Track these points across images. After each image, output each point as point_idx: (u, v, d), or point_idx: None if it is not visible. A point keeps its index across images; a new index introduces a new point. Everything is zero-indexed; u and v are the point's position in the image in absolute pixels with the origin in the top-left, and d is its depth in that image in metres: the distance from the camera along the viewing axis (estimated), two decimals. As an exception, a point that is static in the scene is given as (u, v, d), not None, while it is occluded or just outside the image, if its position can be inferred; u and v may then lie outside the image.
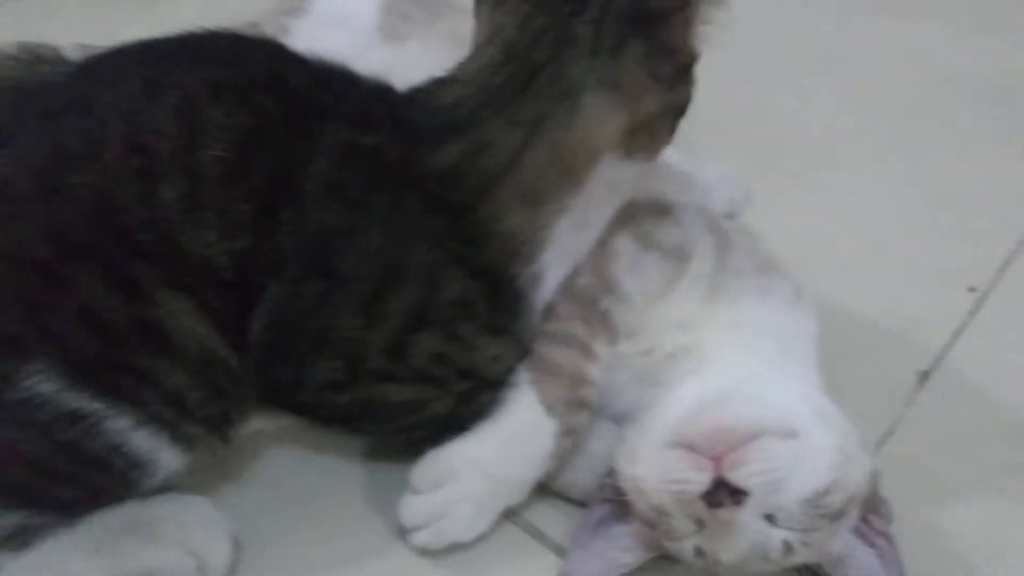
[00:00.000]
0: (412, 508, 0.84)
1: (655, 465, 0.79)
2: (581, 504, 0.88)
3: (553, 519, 0.89)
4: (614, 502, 0.84)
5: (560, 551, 0.87)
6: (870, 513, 0.83)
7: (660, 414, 0.83)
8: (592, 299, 0.87)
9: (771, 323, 0.89)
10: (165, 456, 0.76)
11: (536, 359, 0.85)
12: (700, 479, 0.76)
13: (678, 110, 0.83)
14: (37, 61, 0.84)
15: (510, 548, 0.87)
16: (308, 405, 0.83)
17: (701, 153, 1.06)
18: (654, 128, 0.82)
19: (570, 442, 0.86)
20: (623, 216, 0.90)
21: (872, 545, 0.83)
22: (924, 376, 1.03)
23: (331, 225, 0.76)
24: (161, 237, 0.72)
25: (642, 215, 0.91)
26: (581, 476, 0.88)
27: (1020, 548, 0.89)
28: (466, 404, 0.84)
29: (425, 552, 0.85)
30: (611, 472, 0.85)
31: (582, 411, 0.85)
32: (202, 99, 0.74)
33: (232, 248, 0.74)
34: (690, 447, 0.77)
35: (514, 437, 0.84)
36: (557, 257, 0.83)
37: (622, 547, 0.84)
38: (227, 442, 0.81)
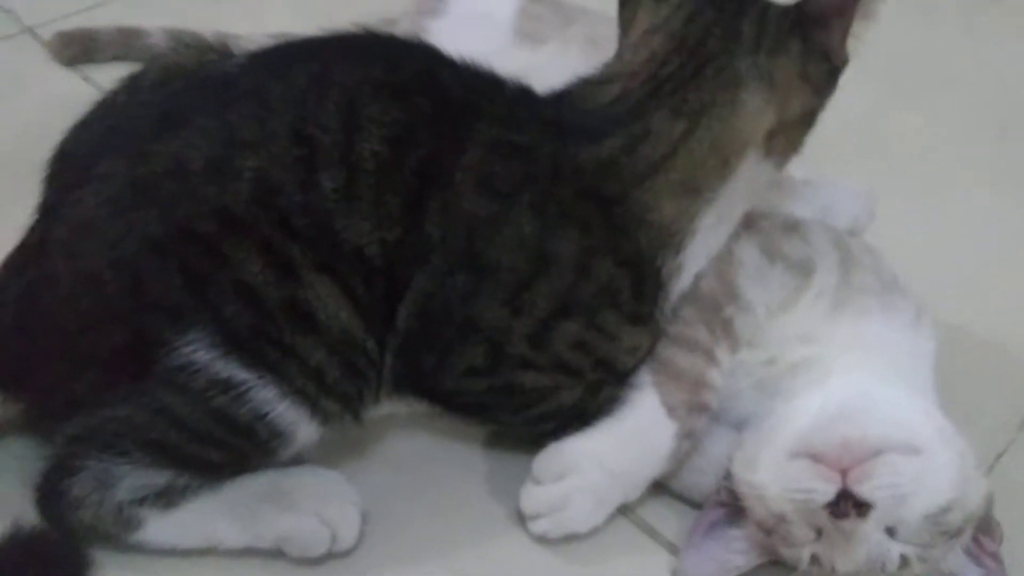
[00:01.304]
0: (533, 497, 0.87)
1: (778, 473, 0.81)
2: (697, 505, 0.90)
3: (667, 518, 0.91)
4: (729, 505, 0.86)
5: (673, 549, 0.89)
6: (981, 534, 0.84)
7: (782, 423, 0.85)
8: (716, 305, 0.89)
9: (893, 342, 0.90)
10: (303, 428, 0.80)
11: (659, 361, 0.88)
12: (826, 489, 0.78)
13: (814, 117, 0.86)
14: (207, 50, 0.89)
15: (624, 543, 0.89)
16: (446, 392, 0.86)
17: (825, 167, 1.07)
18: (792, 132, 0.85)
19: (689, 444, 0.88)
20: (749, 227, 0.92)
21: (981, 565, 0.84)
22: (1036, 404, 1.03)
23: (482, 216, 0.79)
24: (317, 223, 0.77)
25: (768, 228, 0.93)
26: (700, 478, 0.90)
27: None
28: (593, 396, 0.87)
29: (542, 540, 0.88)
30: (728, 476, 0.87)
31: (702, 414, 0.88)
32: (363, 97, 0.79)
33: (383, 238, 0.78)
34: (816, 458, 0.79)
35: (635, 435, 0.87)
36: (699, 249, 0.86)
37: (735, 550, 0.86)
38: (359, 420, 0.85)
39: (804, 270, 0.91)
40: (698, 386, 0.87)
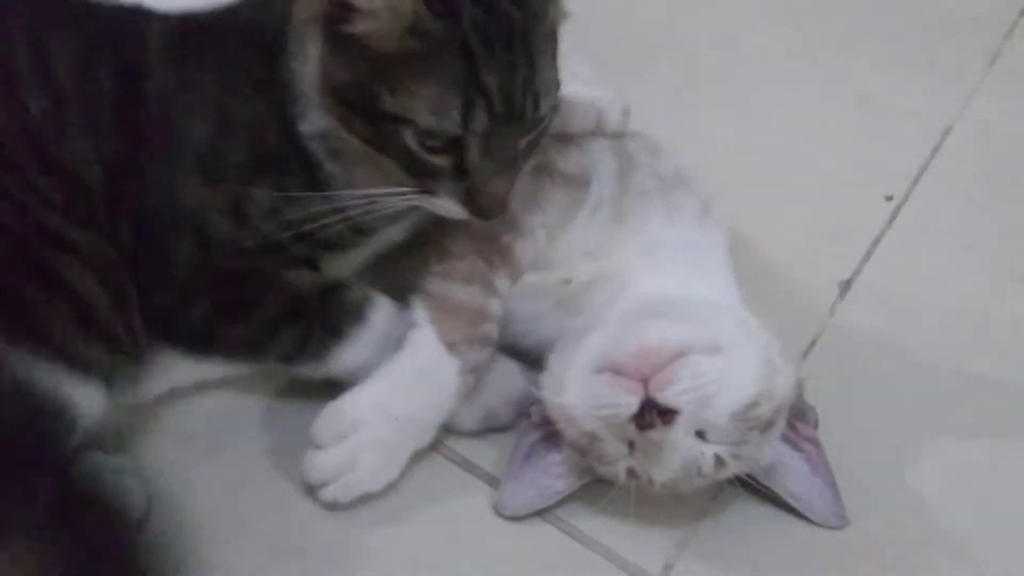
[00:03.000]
0: (316, 464, 0.81)
1: (583, 392, 0.78)
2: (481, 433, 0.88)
3: (482, 450, 0.88)
4: (543, 430, 0.84)
5: (493, 481, 0.87)
6: (796, 420, 0.84)
7: (583, 341, 0.82)
8: (491, 234, 0.85)
9: (681, 241, 0.88)
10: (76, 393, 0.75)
11: (434, 297, 0.83)
12: (629, 402, 0.75)
13: None
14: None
15: (441, 482, 0.86)
16: (181, 325, 0.82)
17: (619, 71, 1.05)
18: None
19: (473, 379, 0.84)
20: None
21: (800, 450, 0.84)
22: (845, 286, 1.04)
23: (170, 86, 0.80)
24: (35, 148, 0.77)
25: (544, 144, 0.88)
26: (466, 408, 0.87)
27: (941, 447, 0.91)
28: (320, 292, 0.83)
29: (335, 507, 0.83)
30: (537, 401, 0.84)
31: (485, 347, 0.84)
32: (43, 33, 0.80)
33: (103, 157, 0.78)
34: (617, 371, 0.77)
35: (416, 378, 0.82)
36: None
37: (554, 474, 0.84)
38: (136, 381, 0.80)
39: (579, 183, 0.88)
40: (478, 318, 0.83)
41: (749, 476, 0.82)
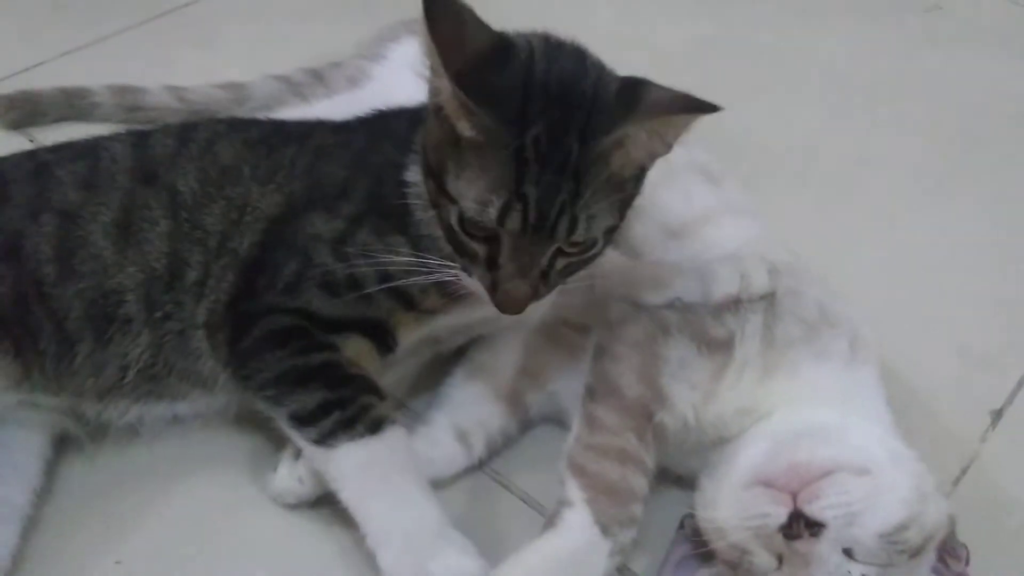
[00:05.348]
0: None
1: (734, 505, 0.81)
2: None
3: (635, 555, 0.90)
4: (694, 543, 0.86)
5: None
6: (947, 555, 0.84)
7: (734, 460, 0.85)
8: (646, 412, 0.87)
9: (831, 382, 0.89)
10: None
11: (589, 475, 0.85)
12: (778, 512, 0.78)
13: None
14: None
15: None
16: (253, 330, 0.88)
17: (770, 189, 1.07)
18: None
19: (619, 560, 0.86)
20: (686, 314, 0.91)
21: (949, 584, 0.84)
22: (997, 415, 1.03)
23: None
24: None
25: (701, 313, 0.91)
26: None
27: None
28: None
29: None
30: (689, 515, 0.87)
31: (632, 527, 0.85)
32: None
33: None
34: (767, 484, 0.80)
35: (571, 559, 0.83)
36: None
37: (704, 586, 0.86)
38: None
39: (725, 347, 0.89)
40: (630, 498, 0.85)
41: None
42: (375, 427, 0.85)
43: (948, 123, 1.41)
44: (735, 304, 0.90)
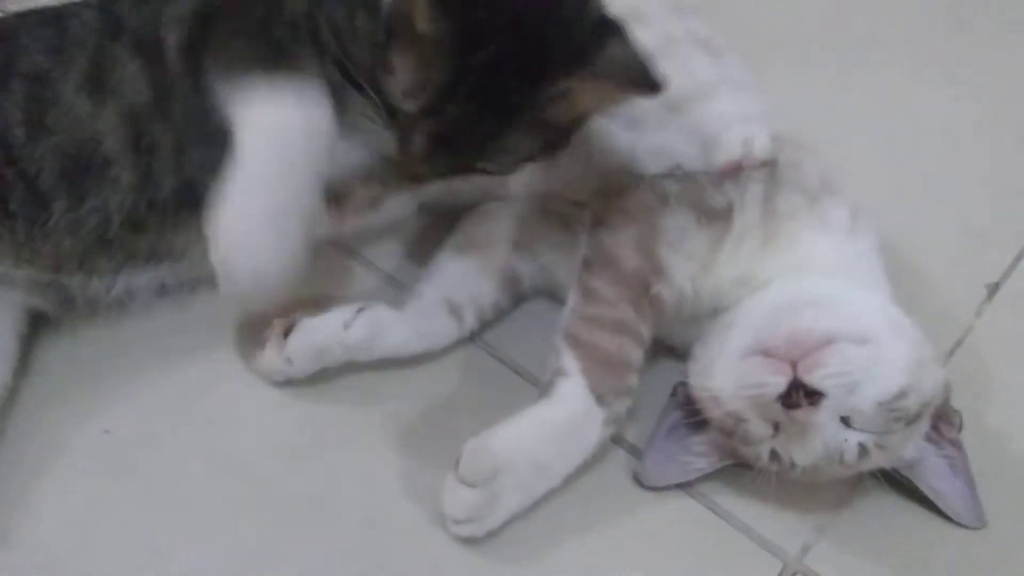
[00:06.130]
0: (460, 502, 0.81)
1: (732, 374, 0.81)
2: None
3: (627, 421, 0.89)
4: (686, 410, 0.86)
5: (634, 452, 0.89)
6: (941, 422, 0.84)
7: (731, 329, 0.84)
8: (643, 284, 0.85)
9: (832, 254, 0.88)
10: None
11: (585, 345, 0.84)
12: (777, 381, 0.77)
13: None
14: None
15: None
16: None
17: (774, 63, 1.05)
18: None
19: (613, 430, 0.86)
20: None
21: (943, 451, 0.84)
22: (993, 288, 1.03)
23: None
24: None
25: (702, 180, 0.89)
26: None
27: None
28: None
29: (469, 541, 0.83)
30: (681, 383, 0.87)
31: (627, 398, 0.85)
32: None
33: None
34: (766, 353, 0.79)
35: (565, 427, 0.83)
36: None
37: (697, 452, 0.86)
38: None
39: (723, 216, 0.87)
40: (625, 369, 0.84)
41: (891, 470, 0.83)
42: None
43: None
44: (736, 171, 0.88)
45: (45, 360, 0.92)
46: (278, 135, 0.78)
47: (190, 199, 0.84)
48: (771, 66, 1.12)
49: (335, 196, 0.90)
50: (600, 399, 0.83)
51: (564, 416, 0.83)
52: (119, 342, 0.93)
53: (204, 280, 0.90)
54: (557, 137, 0.81)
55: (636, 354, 0.85)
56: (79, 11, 0.89)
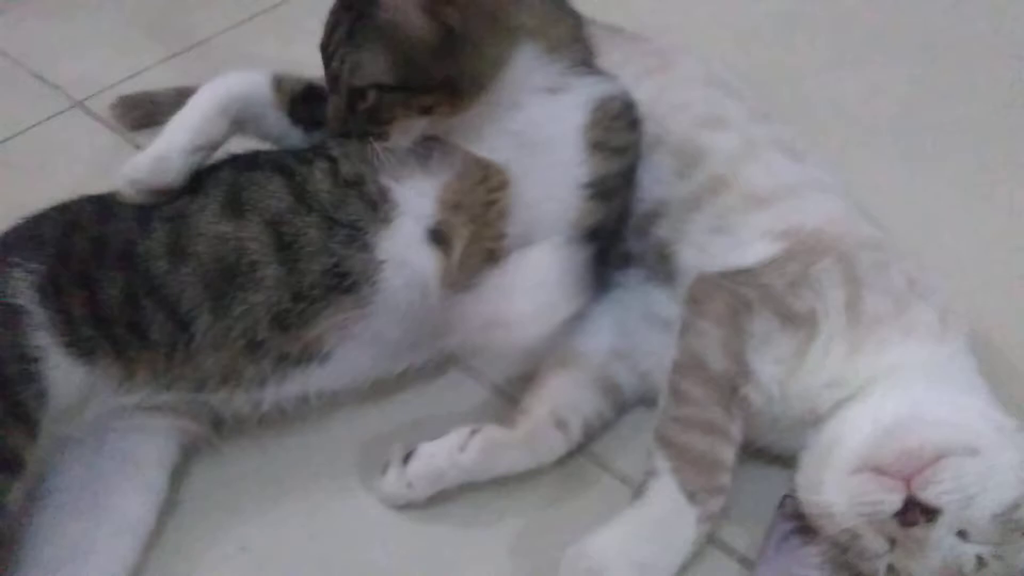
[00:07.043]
0: None
1: (843, 491, 0.81)
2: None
3: (738, 533, 0.92)
4: (798, 521, 0.87)
5: (746, 563, 0.90)
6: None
7: (838, 442, 0.85)
8: (732, 386, 0.87)
9: (924, 356, 0.88)
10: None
11: (675, 446, 0.86)
12: (892, 499, 0.78)
13: None
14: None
15: (697, 559, 0.89)
16: None
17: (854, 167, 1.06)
18: None
19: (709, 527, 0.87)
20: (760, 289, 0.91)
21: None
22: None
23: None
24: None
25: (779, 287, 0.91)
26: None
27: None
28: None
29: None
30: (790, 494, 0.88)
31: (720, 496, 0.86)
32: None
33: None
34: (878, 470, 0.80)
35: (659, 526, 0.85)
36: None
37: (809, 564, 0.86)
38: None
39: (808, 322, 0.89)
40: (716, 469, 0.86)
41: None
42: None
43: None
44: (812, 276, 0.90)
45: (189, 482, 0.97)
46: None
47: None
48: (858, 161, 1.13)
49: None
50: (692, 497, 0.85)
51: (656, 515, 0.85)
52: (249, 464, 0.98)
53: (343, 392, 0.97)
54: (413, 56, 0.89)
55: (727, 453, 0.86)
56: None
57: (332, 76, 0.93)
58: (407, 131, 0.93)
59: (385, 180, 0.94)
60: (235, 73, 0.97)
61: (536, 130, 0.95)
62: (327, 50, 0.92)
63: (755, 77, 1.16)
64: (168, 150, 0.93)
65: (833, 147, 1.08)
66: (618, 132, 0.97)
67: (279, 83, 0.97)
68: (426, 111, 0.92)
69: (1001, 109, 1.34)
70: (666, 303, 0.99)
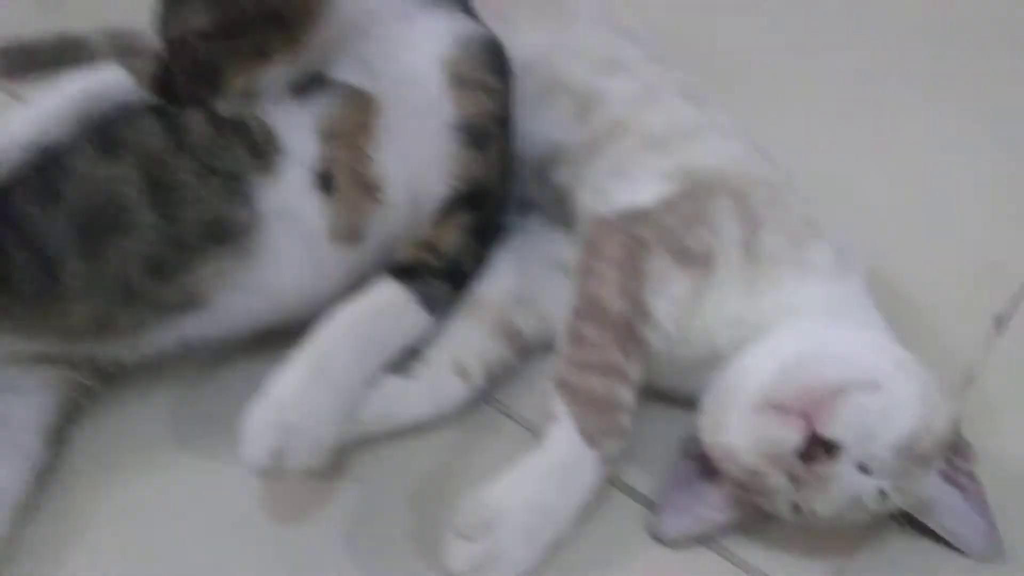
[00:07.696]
0: (461, 556, 0.82)
1: (745, 429, 0.81)
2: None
3: (642, 474, 0.91)
4: (700, 462, 0.87)
5: (650, 504, 0.89)
6: (954, 454, 0.85)
7: (739, 382, 0.84)
8: (629, 328, 0.86)
9: (820, 294, 0.88)
10: None
11: (572, 389, 0.85)
12: (793, 436, 0.77)
13: None
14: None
15: (597, 502, 0.87)
16: None
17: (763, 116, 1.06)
18: None
19: (609, 469, 0.86)
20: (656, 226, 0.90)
21: (957, 485, 0.85)
22: (1001, 320, 1.03)
23: None
24: None
25: (673, 223, 0.89)
26: None
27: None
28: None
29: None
30: (692, 437, 0.87)
31: (620, 438, 0.85)
32: None
33: None
34: (779, 408, 0.79)
35: (558, 470, 0.84)
36: None
37: (714, 506, 0.86)
38: None
39: (704, 260, 0.88)
40: (615, 411, 0.85)
41: (907, 511, 0.84)
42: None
43: (951, 23, 1.37)
44: (708, 215, 0.89)
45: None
46: None
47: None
48: (767, 109, 1.13)
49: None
50: (591, 440, 0.83)
51: (555, 459, 0.84)
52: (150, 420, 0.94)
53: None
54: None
55: (626, 395, 0.85)
56: None
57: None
58: (249, 86, 0.88)
59: (265, 116, 0.88)
60: (94, 73, 0.94)
61: (392, 61, 0.91)
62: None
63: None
64: (9, 146, 0.87)
65: (750, 95, 1.07)
66: (482, 71, 0.93)
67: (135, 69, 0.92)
68: (261, 56, 0.87)
69: (906, 48, 1.34)
70: (567, 247, 0.98)
